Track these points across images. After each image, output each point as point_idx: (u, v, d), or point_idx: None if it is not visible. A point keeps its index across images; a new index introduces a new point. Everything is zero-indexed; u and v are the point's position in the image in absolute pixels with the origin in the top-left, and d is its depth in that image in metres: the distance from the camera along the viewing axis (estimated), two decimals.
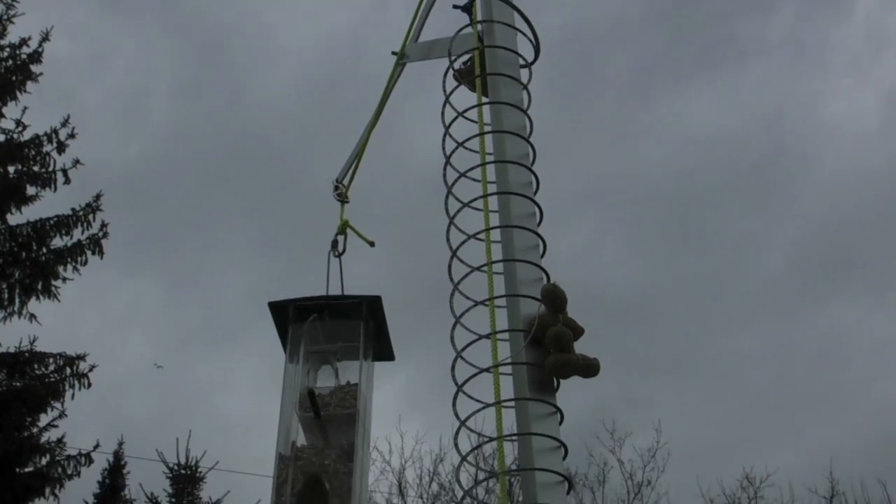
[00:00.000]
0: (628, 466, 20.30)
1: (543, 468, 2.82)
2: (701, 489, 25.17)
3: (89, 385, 14.64)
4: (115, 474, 16.03)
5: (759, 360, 28.64)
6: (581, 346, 2.98)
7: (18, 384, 14.45)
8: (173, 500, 15.75)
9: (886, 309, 29.62)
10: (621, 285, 26.73)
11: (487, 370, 2.98)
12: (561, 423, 2.93)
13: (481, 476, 12.00)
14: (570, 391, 3.00)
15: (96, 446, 15.20)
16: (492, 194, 3.28)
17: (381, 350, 4.19)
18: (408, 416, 29.47)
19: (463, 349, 3.00)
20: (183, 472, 15.87)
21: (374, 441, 20.67)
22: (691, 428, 27.44)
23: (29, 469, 14.58)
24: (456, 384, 2.99)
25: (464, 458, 3.06)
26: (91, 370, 14.68)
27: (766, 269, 30.09)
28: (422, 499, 20.49)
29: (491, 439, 2.97)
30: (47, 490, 14.44)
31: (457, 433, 3.03)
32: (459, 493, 18.03)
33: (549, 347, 2.93)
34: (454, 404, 2.95)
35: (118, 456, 16.10)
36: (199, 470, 15.96)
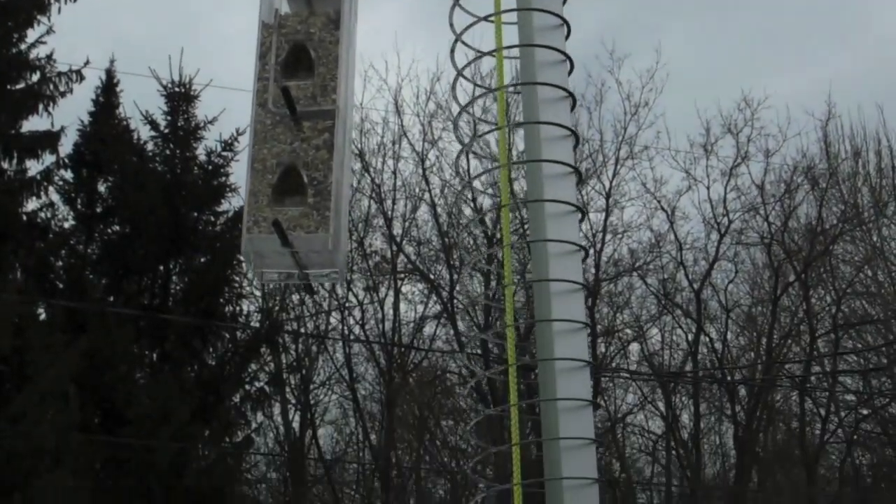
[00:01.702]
0: (626, 87, 20.21)
1: (547, 83, 2.65)
2: (698, 111, 25.33)
3: None
4: (108, 92, 15.83)
5: None
6: None
7: None
8: (169, 118, 15.70)
9: None
10: None
11: None
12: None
13: (478, 92, 11.86)
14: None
15: (86, 63, 14.99)
16: None
17: None
18: (405, 35, 29.10)
19: None
20: (177, 89, 15.73)
21: (370, 61, 20.36)
22: (692, 53, 27.19)
23: (20, 86, 14.43)
24: None
25: (459, 73, 2.90)
26: None
27: None
28: (418, 118, 20.55)
29: (484, 54, 2.78)
30: (40, 107, 14.37)
31: (453, 47, 2.82)
32: (456, 110, 18.00)
33: None
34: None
35: (110, 74, 15.84)
36: (194, 88, 15.81)
